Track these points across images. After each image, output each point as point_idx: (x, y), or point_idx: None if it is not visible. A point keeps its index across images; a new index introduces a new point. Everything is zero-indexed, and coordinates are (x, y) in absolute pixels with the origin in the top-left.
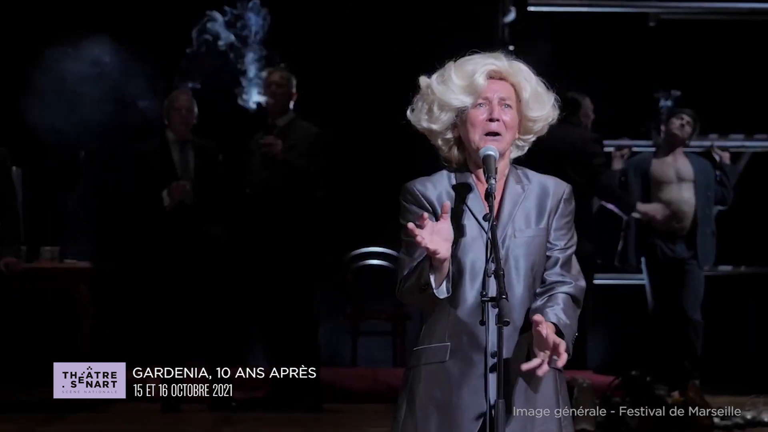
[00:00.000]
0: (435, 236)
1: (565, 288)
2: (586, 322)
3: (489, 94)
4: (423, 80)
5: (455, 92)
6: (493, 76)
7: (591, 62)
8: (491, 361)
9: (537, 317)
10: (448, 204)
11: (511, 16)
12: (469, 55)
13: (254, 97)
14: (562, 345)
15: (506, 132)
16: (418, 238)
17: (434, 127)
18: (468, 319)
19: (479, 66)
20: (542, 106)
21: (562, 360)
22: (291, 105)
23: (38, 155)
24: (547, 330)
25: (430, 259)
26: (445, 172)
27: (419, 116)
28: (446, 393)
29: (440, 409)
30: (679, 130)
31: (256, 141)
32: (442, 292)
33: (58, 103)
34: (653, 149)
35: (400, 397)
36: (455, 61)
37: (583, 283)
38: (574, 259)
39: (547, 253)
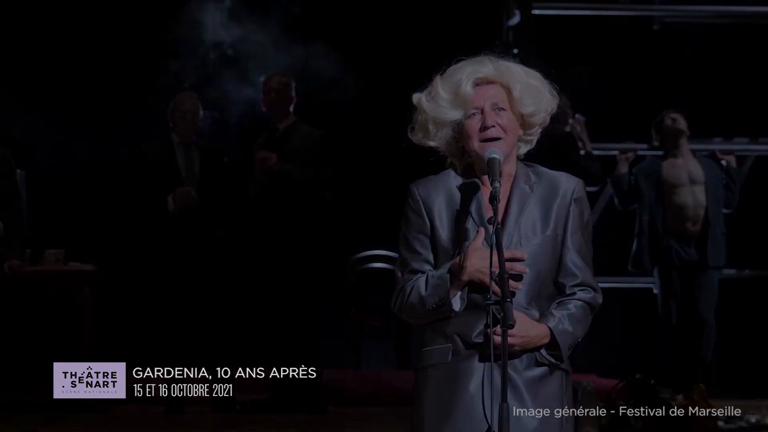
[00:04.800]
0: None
1: (582, 294)
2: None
3: (479, 102)
4: (415, 98)
5: (445, 107)
6: (481, 82)
7: (595, 66)
8: (495, 364)
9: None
10: (483, 231)
11: (516, 19)
12: (455, 63)
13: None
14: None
15: (505, 135)
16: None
17: (433, 143)
18: (471, 324)
19: (464, 75)
20: (537, 100)
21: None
22: (291, 109)
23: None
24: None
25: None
26: (451, 172)
27: (418, 135)
28: (450, 394)
29: (445, 410)
30: (674, 124)
31: (255, 148)
32: (456, 302)
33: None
34: (660, 153)
35: (412, 400)
36: (441, 74)
37: (600, 296)
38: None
39: (567, 262)
